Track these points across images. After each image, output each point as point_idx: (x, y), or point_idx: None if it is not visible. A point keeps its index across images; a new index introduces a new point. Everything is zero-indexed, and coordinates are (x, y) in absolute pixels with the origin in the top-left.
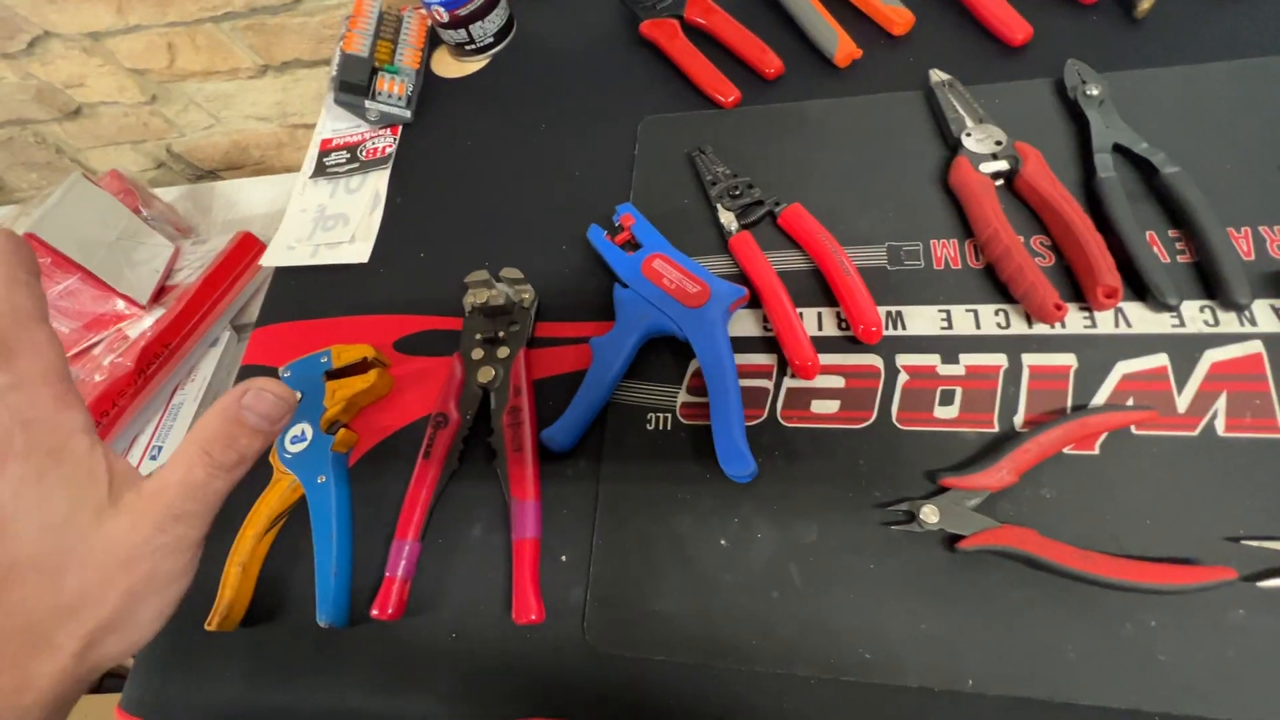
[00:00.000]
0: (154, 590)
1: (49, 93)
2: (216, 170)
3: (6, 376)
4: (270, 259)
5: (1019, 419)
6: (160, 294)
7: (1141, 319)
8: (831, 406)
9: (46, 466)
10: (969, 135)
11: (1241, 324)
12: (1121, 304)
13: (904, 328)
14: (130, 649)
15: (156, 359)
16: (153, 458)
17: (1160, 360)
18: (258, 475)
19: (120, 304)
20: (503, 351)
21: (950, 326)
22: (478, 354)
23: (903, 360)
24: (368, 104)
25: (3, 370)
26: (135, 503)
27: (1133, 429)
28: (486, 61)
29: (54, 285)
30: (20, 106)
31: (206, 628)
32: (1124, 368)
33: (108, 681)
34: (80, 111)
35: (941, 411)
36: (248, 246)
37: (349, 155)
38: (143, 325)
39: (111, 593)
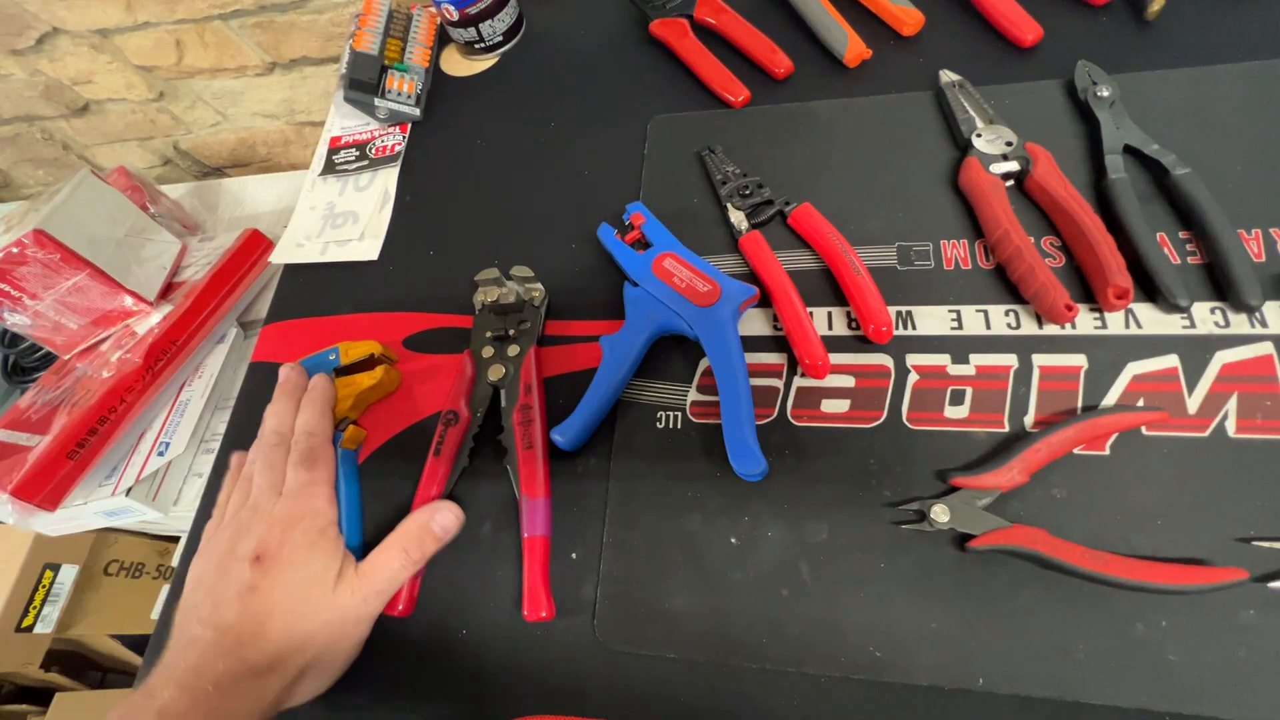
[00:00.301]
0: (345, 648)
1: (57, 89)
2: (223, 167)
3: (310, 475)
4: (280, 256)
5: (1029, 419)
6: (167, 290)
7: (1152, 320)
8: (842, 406)
9: (316, 540)
10: (979, 136)
11: (1252, 325)
12: (1132, 305)
13: (914, 328)
14: (315, 691)
15: (164, 355)
16: (160, 453)
17: (1171, 361)
18: None
19: (128, 300)
20: (513, 349)
21: (960, 327)
22: (488, 352)
23: (913, 360)
24: (377, 102)
25: (310, 470)
26: (354, 578)
27: (1143, 430)
28: (496, 60)
29: (63, 281)
30: (28, 103)
31: None
32: (1135, 368)
33: (113, 678)
34: (88, 108)
35: (952, 411)
36: (255, 244)
37: (358, 153)
38: (150, 322)
39: (324, 640)
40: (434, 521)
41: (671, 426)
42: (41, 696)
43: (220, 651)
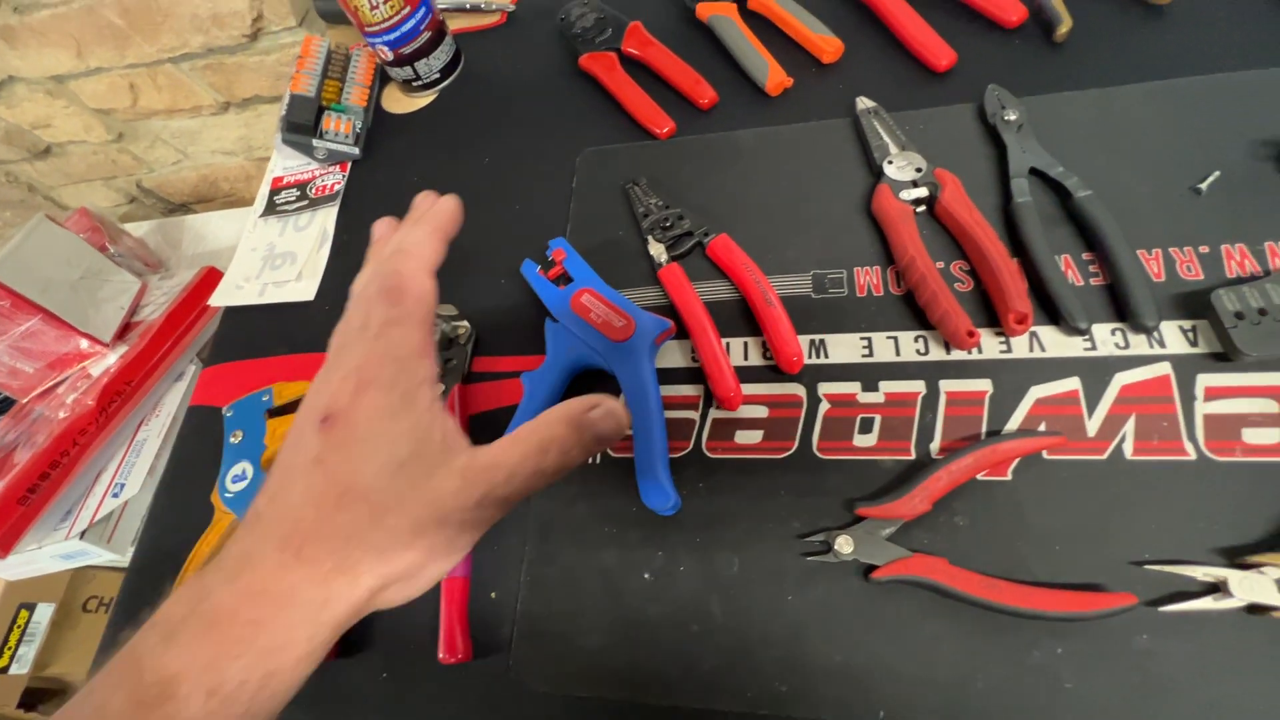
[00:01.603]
0: (444, 555)
1: (17, 134)
2: (188, 203)
3: (393, 311)
4: (219, 299)
5: (935, 446)
6: (126, 330)
7: (1055, 343)
8: (755, 437)
9: (400, 408)
10: (890, 163)
11: (1151, 346)
12: (1036, 328)
13: (827, 356)
14: (401, 600)
15: (118, 396)
16: (114, 494)
17: (1072, 384)
18: (201, 515)
19: (83, 343)
20: (439, 388)
21: (871, 354)
22: None
23: (825, 389)
24: (315, 143)
25: (392, 305)
26: (467, 470)
27: (1044, 454)
28: (435, 96)
29: (15, 327)
30: None
31: None
32: (1037, 392)
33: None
34: (50, 151)
35: (860, 440)
36: (212, 281)
37: (299, 193)
38: (107, 362)
39: (419, 545)
40: (591, 422)
41: (592, 462)
42: None
43: (275, 542)
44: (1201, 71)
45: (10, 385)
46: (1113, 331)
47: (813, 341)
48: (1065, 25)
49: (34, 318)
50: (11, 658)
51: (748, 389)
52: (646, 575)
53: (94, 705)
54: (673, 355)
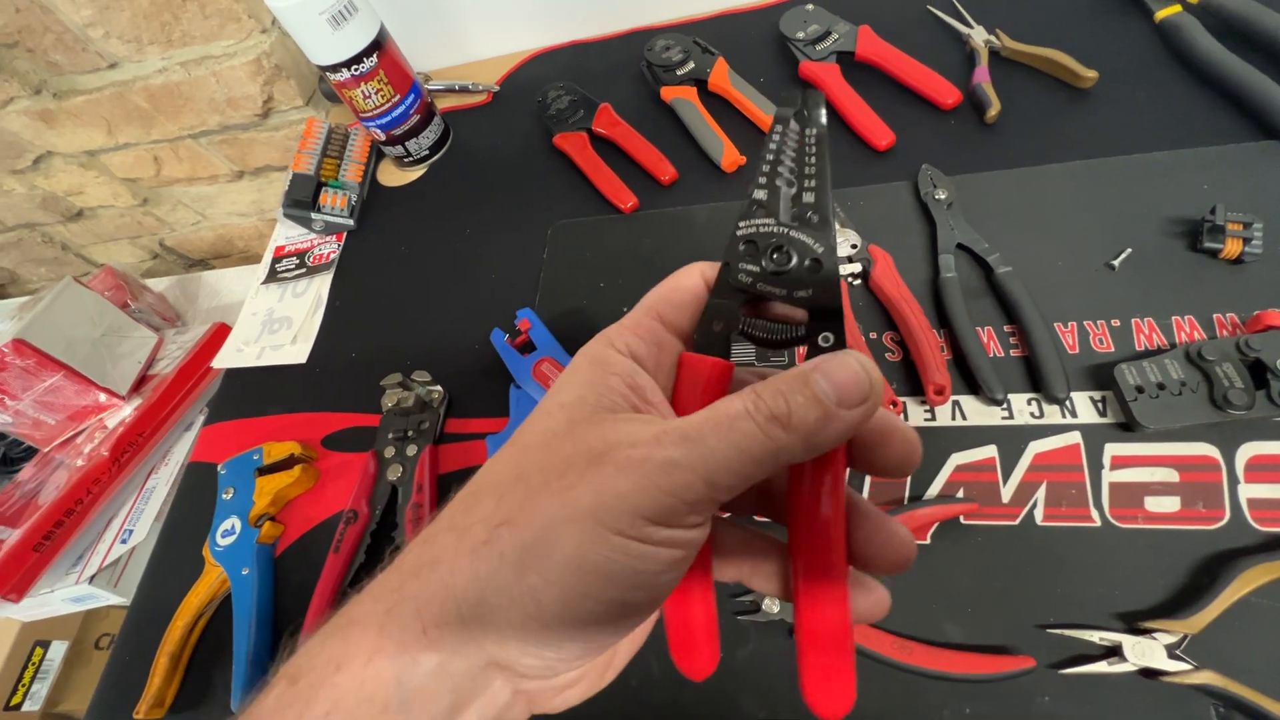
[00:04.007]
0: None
1: (52, 200)
2: (206, 259)
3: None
4: (221, 361)
5: None
6: (142, 382)
7: (975, 411)
8: None
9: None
10: None
11: (1063, 415)
12: (958, 397)
13: None
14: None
15: (131, 447)
16: (123, 541)
17: (990, 451)
18: (196, 566)
19: (101, 396)
20: (411, 449)
21: None
22: (389, 451)
23: None
24: (313, 216)
25: None
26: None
27: (961, 519)
28: (425, 170)
29: (40, 383)
30: (28, 212)
31: (135, 716)
32: (958, 459)
33: None
34: (81, 214)
35: None
36: (221, 337)
37: (298, 261)
38: (123, 414)
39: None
40: (817, 371)
41: None
42: None
43: None
44: (1121, 152)
45: (34, 436)
46: (1029, 401)
47: None
48: (994, 108)
49: (57, 374)
50: (25, 695)
51: None
52: None
53: None
54: None
